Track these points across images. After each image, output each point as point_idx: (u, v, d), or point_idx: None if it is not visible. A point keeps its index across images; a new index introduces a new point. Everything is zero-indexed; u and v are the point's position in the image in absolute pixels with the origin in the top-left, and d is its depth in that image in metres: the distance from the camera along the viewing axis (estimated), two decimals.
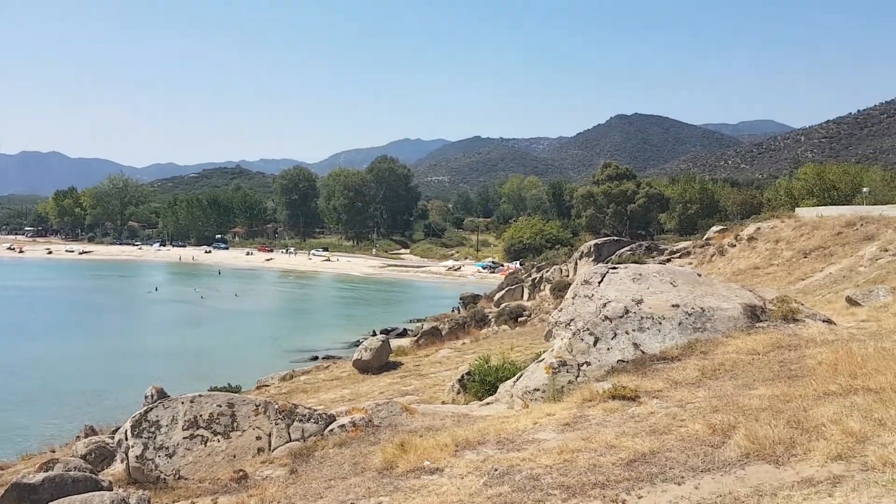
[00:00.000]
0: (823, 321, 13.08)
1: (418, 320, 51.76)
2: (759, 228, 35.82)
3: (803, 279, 24.70)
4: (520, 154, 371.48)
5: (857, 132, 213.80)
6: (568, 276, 42.45)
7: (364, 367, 23.85)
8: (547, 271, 48.08)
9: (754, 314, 12.73)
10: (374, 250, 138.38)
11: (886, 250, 22.73)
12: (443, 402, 14.94)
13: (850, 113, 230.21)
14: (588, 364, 10.61)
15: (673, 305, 11.84)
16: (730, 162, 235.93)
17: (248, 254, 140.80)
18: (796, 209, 41.32)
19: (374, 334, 36.56)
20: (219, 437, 9.19)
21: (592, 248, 46.05)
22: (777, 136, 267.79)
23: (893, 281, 18.69)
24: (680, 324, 11.54)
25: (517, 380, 11.53)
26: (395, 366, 24.32)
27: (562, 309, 12.77)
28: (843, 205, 44.40)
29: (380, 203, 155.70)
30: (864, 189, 53.07)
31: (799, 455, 5.64)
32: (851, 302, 17.22)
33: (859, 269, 22.33)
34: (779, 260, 29.44)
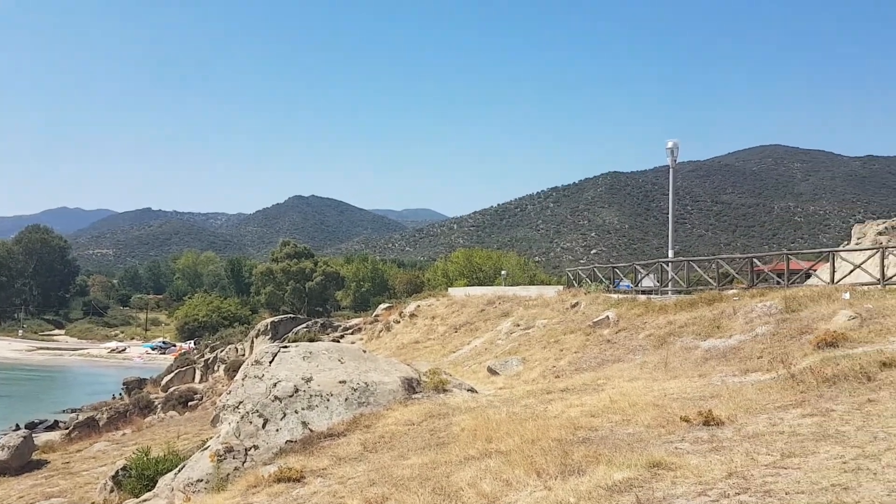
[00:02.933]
0: (468, 390, 14.47)
1: (73, 410, 45.56)
2: (419, 306, 38.77)
3: (454, 351, 27.18)
4: (196, 228, 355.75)
5: (497, 222, 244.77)
6: (244, 355, 41.22)
7: (0, 470, 20.26)
8: (221, 351, 46.19)
9: (411, 386, 13.62)
10: (20, 331, 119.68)
11: (518, 325, 26.13)
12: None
13: (492, 206, 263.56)
14: (256, 448, 10.36)
15: (340, 382, 12.18)
16: (396, 244, 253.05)
17: None
18: (449, 289, 45.55)
19: (17, 428, 31.49)
20: None
21: (269, 326, 45.53)
22: (435, 223, 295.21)
23: (524, 352, 21.43)
24: (346, 399, 11.86)
25: (179, 471, 10.78)
26: (40, 465, 21.06)
27: (231, 391, 12.36)
28: (488, 285, 50.13)
29: (29, 278, 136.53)
30: (503, 271, 60.65)
31: None
32: (491, 371, 19.38)
33: (498, 341, 25.30)
34: (435, 334, 32.08)
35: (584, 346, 20.55)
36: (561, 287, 34.52)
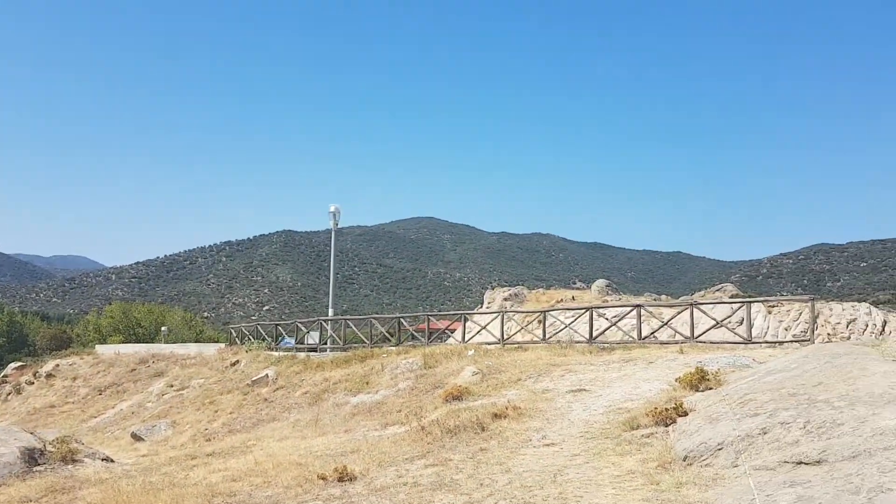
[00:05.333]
0: (103, 459, 12.93)
1: None
2: (58, 365, 33.97)
3: (96, 416, 24.22)
4: None
5: (163, 274, 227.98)
6: None
7: None
8: None
9: (33, 458, 11.88)
10: None
11: (172, 385, 24.32)
12: None
13: (158, 257, 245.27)
14: None
15: None
16: (42, 295, 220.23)
17: None
18: (96, 346, 40.90)
19: None
20: None
21: None
22: (90, 273, 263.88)
23: (175, 415, 19.94)
24: None
25: None
26: None
27: None
28: (149, 342, 46.01)
29: None
30: (164, 328, 56.29)
31: None
32: (136, 437, 17.60)
33: (147, 404, 23.19)
34: (75, 398, 28.30)
35: (240, 407, 19.88)
36: (223, 345, 33.16)
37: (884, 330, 21.23)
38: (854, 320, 21.85)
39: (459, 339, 22.52)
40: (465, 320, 23.35)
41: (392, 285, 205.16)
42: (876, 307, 24.77)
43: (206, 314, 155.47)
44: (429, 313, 26.08)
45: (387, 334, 25.03)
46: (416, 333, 24.14)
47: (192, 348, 32.61)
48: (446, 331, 25.56)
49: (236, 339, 32.17)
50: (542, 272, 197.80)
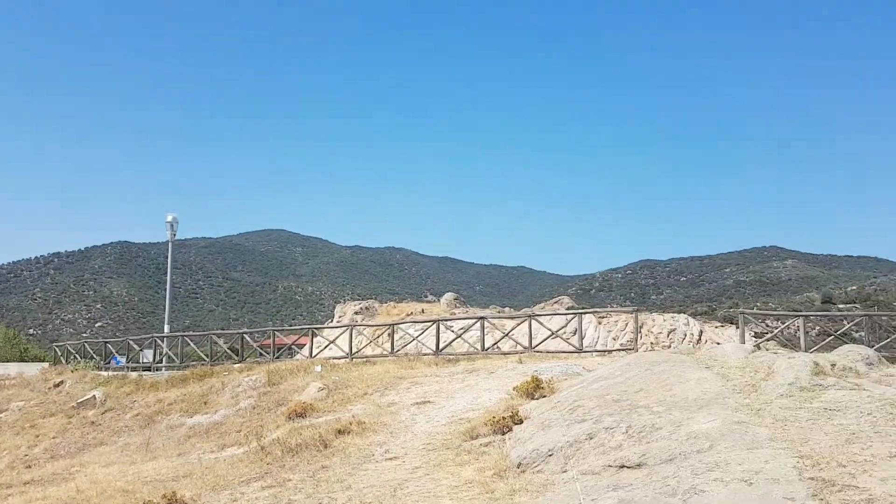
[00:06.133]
0: None
1: None
2: None
3: None
4: None
5: None
6: None
7: None
8: None
9: None
10: None
11: None
12: None
13: None
14: None
15: None
16: None
17: None
18: None
19: None
20: None
21: None
22: None
23: None
24: None
25: None
26: None
27: None
28: None
29: None
30: None
31: None
32: None
33: None
34: None
35: (64, 430, 18.21)
36: (48, 364, 30.17)
37: (700, 339, 23.20)
38: (674, 330, 23.71)
39: (307, 354, 21.94)
40: (314, 335, 22.80)
41: (240, 300, 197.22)
42: (693, 318, 27.07)
43: (31, 331, 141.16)
44: (275, 328, 25.22)
45: (229, 351, 23.90)
46: (261, 349, 23.24)
47: (11, 368, 29.55)
48: (294, 346, 24.83)
49: (61, 358, 29.36)
50: (395, 286, 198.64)
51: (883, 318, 20.09)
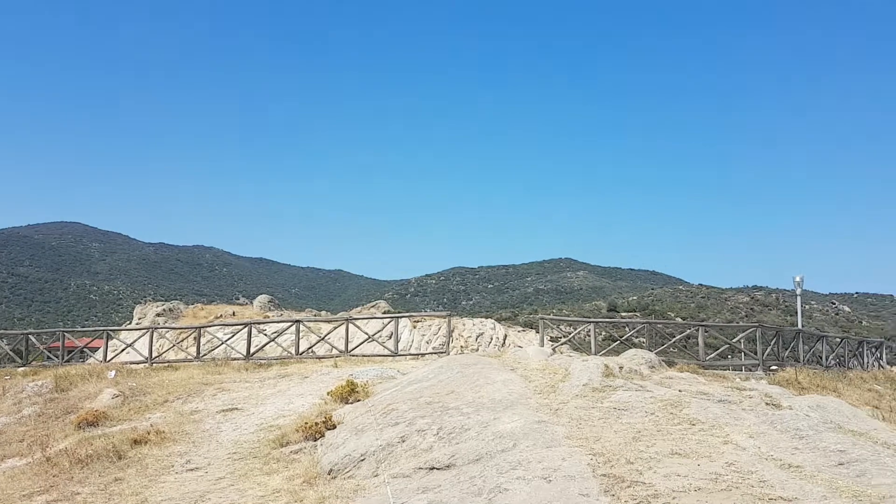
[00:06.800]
0: None
1: None
2: None
3: None
4: None
5: None
6: None
7: None
8: None
9: None
10: None
11: None
12: None
13: None
14: None
15: None
16: None
17: None
18: None
19: None
20: None
21: None
22: None
23: None
24: None
25: None
26: None
27: None
28: None
29: None
30: None
31: None
32: None
33: None
34: None
35: None
36: None
37: (504, 342, 24.39)
38: (482, 334, 24.74)
39: (101, 358, 19.97)
40: (109, 337, 20.80)
41: (27, 297, 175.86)
42: (499, 323, 28.45)
43: None
44: (65, 329, 22.71)
45: (12, 353, 21.23)
46: (49, 352, 20.85)
47: None
48: (86, 350, 22.46)
49: None
50: (203, 287, 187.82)
51: (659, 325, 22.41)
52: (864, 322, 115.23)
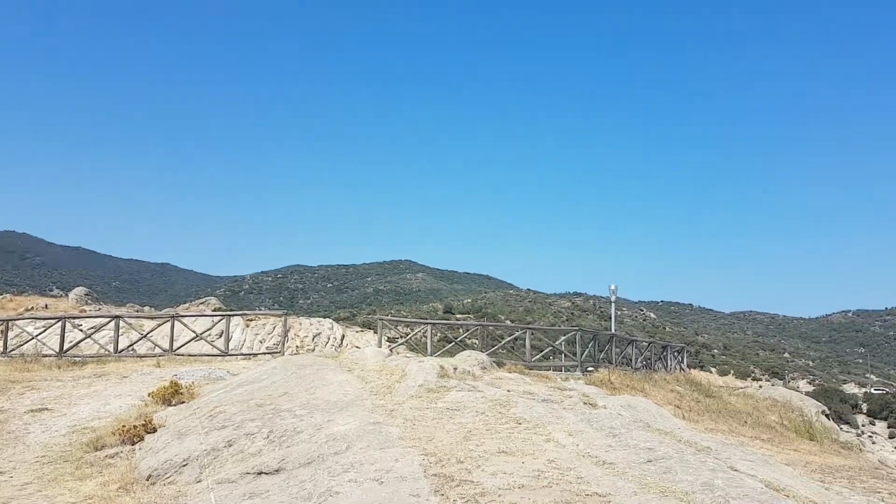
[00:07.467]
0: None
1: None
2: None
3: None
4: None
5: None
6: None
7: None
8: None
9: None
10: None
11: None
12: None
13: None
14: None
15: None
16: None
17: None
18: None
19: None
20: None
21: None
22: None
23: None
24: None
25: None
26: None
27: None
28: None
29: None
30: None
31: None
32: None
33: None
34: None
35: None
36: None
37: (342, 343, 24.11)
38: (319, 334, 24.28)
39: None
40: None
41: None
42: (337, 323, 28.07)
43: None
44: None
45: None
46: None
47: None
48: None
49: None
50: (13, 276, 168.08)
51: (491, 327, 23.24)
52: (667, 328, 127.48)
